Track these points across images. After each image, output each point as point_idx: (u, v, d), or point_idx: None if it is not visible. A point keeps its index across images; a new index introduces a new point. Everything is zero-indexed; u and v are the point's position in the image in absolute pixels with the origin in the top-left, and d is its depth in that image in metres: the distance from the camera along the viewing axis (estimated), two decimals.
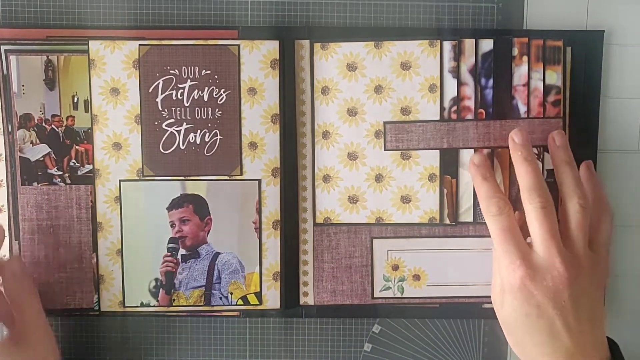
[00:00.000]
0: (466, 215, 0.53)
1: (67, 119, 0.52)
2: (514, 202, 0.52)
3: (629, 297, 0.55)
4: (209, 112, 0.52)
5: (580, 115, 0.52)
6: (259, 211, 0.53)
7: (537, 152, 0.52)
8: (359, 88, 0.52)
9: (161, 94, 0.51)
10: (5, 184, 0.52)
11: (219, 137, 0.52)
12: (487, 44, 0.51)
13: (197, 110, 0.52)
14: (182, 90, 0.51)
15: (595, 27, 0.52)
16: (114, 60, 0.51)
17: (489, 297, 0.51)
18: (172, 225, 0.52)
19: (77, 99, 0.51)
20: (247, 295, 0.53)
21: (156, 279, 0.53)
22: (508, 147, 0.49)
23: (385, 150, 0.52)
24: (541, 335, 0.45)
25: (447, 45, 0.51)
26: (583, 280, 0.45)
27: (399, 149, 0.52)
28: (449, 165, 0.52)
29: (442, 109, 0.52)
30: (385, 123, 0.52)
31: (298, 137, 0.53)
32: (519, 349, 0.47)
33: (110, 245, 0.53)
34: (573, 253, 0.46)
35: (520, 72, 0.51)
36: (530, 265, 0.45)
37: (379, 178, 0.53)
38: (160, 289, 0.53)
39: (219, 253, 0.53)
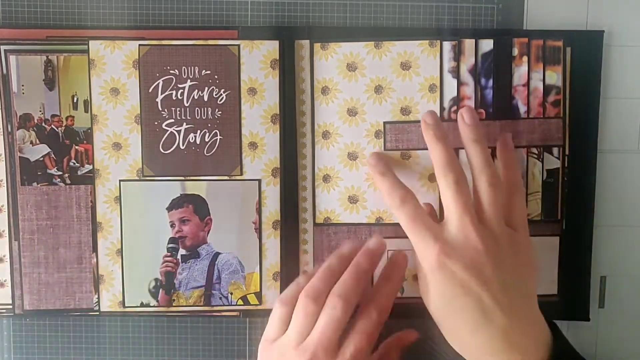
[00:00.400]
0: None
1: (66, 119, 0.52)
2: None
3: (628, 297, 0.55)
4: (209, 112, 0.52)
5: (580, 115, 0.52)
6: (259, 211, 0.53)
7: (537, 152, 0.52)
8: (359, 88, 0.52)
9: (161, 94, 0.51)
10: (5, 184, 0.52)
11: (219, 137, 0.52)
12: (487, 44, 0.51)
13: (197, 110, 0.52)
14: (182, 90, 0.51)
15: (595, 27, 0.52)
16: (113, 60, 0.51)
17: None
18: (172, 225, 0.52)
19: (77, 99, 0.51)
20: (247, 295, 0.53)
21: (156, 279, 0.53)
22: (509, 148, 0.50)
23: (385, 150, 0.52)
24: (473, 314, 0.44)
25: (447, 45, 0.51)
26: (504, 255, 0.45)
27: (399, 149, 0.52)
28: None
29: (442, 109, 0.52)
30: (385, 123, 0.52)
31: (298, 137, 0.53)
32: (456, 341, 0.46)
33: (110, 245, 0.53)
34: (489, 230, 0.45)
35: (520, 72, 0.51)
36: (445, 242, 0.44)
37: None
38: (160, 289, 0.53)
39: (219, 253, 0.53)
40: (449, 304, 0.44)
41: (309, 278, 0.47)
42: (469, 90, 0.51)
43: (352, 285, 0.46)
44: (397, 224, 0.52)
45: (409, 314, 0.54)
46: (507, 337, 0.44)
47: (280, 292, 0.53)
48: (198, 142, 0.52)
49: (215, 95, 0.52)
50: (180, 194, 0.52)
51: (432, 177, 0.52)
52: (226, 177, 0.52)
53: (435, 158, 0.47)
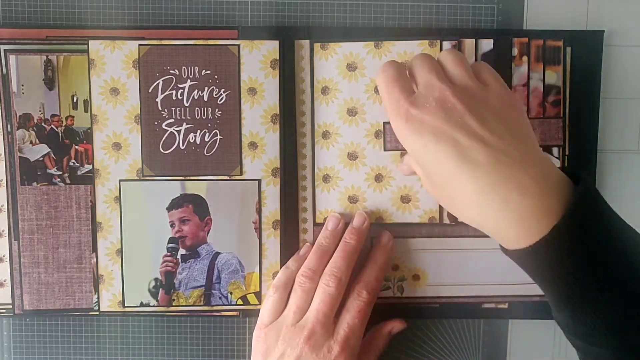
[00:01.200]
0: None
1: (66, 118, 0.52)
2: None
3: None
4: (209, 112, 0.52)
5: (580, 115, 0.52)
6: (259, 211, 0.53)
7: None
8: (359, 88, 0.52)
9: (161, 94, 0.51)
10: (5, 184, 0.52)
11: (218, 137, 0.52)
12: (487, 44, 0.51)
13: (197, 110, 0.52)
14: (182, 90, 0.51)
15: (595, 27, 0.52)
16: (113, 60, 0.51)
17: (489, 297, 0.51)
18: (172, 225, 0.52)
19: (77, 98, 0.51)
20: (247, 295, 0.53)
21: (156, 279, 0.53)
22: None
23: (385, 150, 0.52)
24: (451, 159, 0.40)
25: (447, 45, 0.51)
26: (477, 95, 0.42)
27: (398, 149, 0.52)
28: None
29: None
30: (384, 123, 0.52)
31: (298, 137, 0.53)
32: (446, 198, 0.43)
33: (110, 245, 0.53)
34: (457, 82, 0.42)
35: (520, 72, 0.51)
36: (412, 96, 0.42)
37: (378, 178, 0.53)
38: (160, 289, 0.53)
39: (219, 253, 0.53)
40: (427, 156, 0.41)
41: (299, 262, 0.51)
42: None
43: (342, 263, 0.49)
44: (397, 224, 0.53)
45: (409, 314, 0.54)
46: (494, 172, 0.39)
47: None
48: (198, 142, 0.52)
49: (215, 95, 0.52)
50: (180, 194, 0.52)
51: None
52: (226, 177, 0.52)
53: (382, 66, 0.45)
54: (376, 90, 0.52)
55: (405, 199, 0.53)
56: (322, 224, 0.53)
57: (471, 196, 0.40)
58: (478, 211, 0.40)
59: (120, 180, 0.52)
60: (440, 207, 0.53)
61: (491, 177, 0.39)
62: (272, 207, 0.53)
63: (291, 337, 0.48)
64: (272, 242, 0.53)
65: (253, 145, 0.52)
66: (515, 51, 0.51)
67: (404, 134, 0.42)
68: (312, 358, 0.47)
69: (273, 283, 0.51)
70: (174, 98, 0.51)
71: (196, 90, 0.51)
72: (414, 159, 0.44)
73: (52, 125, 0.51)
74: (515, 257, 0.42)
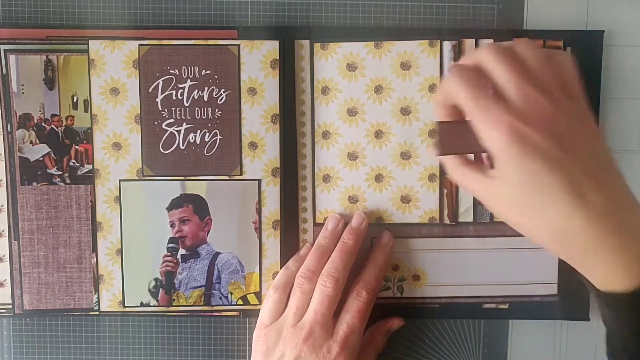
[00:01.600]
0: (466, 215, 0.53)
1: (66, 118, 0.52)
2: None
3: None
4: (209, 112, 0.52)
5: None
6: (259, 211, 0.53)
7: None
8: (359, 88, 0.52)
9: (161, 94, 0.51)
10: (5, 184, 0.52)
11: (218, 137, 0.52)
12: (487, 44, 0.51)
13: (197, 110, 0.52)
14: (182, 90, 0.51)
15: (595, 27, 0.52)
16: (113, 60, 0.51)
17: (489, 297, 0.51)
18: (172, 225, 0.52)
19: (77, 98, 0.51)
20: (247, 295, 0.53)
21: (156, 279, 0.53)
22: None
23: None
24: (562, 192, 0.36)
25: (447, 45, 0.51)
26: (578, 123, 0.38)
27: None
28: None
29: None
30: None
31: (298, 137, 0.53)
32: (545, 234, 0.38)
33: (110, 245, 0.53)
34: (550, 95, 0.37)
35: None
36: (517, 112, 0.37)
37: (379, 178, 0.53)
38: (160, 289, 0.53)
39: (219, 253, 0.53)
40: (532, 184, 0.36)
41: (299, 262, 0.51)
42: None
43: (340, 264, 0.49)
44: (397, 224, 0.53)
45: (409, 314, 0.54)
46: (612, 217, 0.36)
47: None
48: (198, 142, 0.52)
49: (215, 95, 0.52)
50: (180, 194, 0.52)
51: (432, 177, 0.52)
52: (226, 177, 0.52)
53: (473, 56, 0.40)
54: (376, 90, 0.52)
55: (405, 199, 0.53)
56: (322, 224, 0.53)
57: (578, 236, 0.37)
58: (581, 249, 0.37)
59: (120, 180, 0.52)
60: (440, 208, 0.53)
61: (609, 221, 0.36)
62: (272, 207, 0.53)
63: (291, 338, 0.48)
64: (272, 242, 0.53)
65: (253, 145, 0.52)
66: None
67: (506, 154, 0.37)
68: (312, 358, 0.47)
69: (273, 283, 0.51)
70: (174, 98, 0.51)
71: (196, 90, 0.51)
72: (504, 176, 0.38)
73: (52, 125, 0.51)
74: (611, 299, 0.38)
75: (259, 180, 0.52)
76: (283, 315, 0.50)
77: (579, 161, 0.36)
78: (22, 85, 0.51)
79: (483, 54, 0.39)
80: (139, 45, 0.51)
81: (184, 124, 0.52)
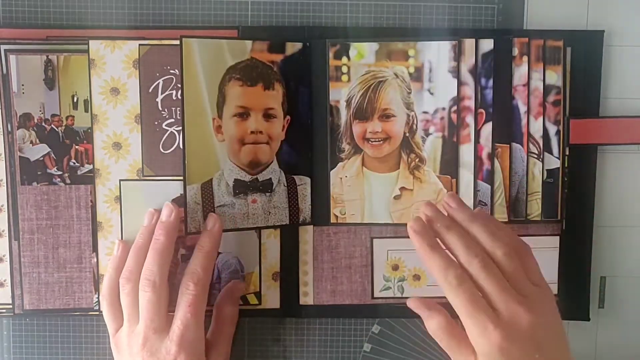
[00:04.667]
0: None
1: (66, 118, 0.52)
2: (514, 201, 0.52)
3: (629, 297, 0.55)
4: None
5: (580, 116, 0.52)
6: None
7: (537, 152, 0.52)
8: None
9: (161, 94, 0.51)
10: (5, 184, 0.52)
11: None
12: (487, 44, 0.51)
13: None
14: (182, 90, 0.51)
15: (595, 27, 0.52)
16: (114, 60, 0.51)
17: None
18: None
19: (77, 98, 0.51)
20: (247, 295, 0.53)
21: None
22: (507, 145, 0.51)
23: None
24: None
25: (447, 45, 0.51)
26: (545, 314, 0.45)
27: None
28: (449, 165, 0.52)
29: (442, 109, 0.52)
30: None
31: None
32: None
33: (110, 245, 0.53)
34: (524, 297, 0.44)
35: (520, 72, 0.51)
36: (504, 326, 0.43)
37: None
38: None
39: (219, 253, 0.53)
40: None
41: (116, 264, 0.50)
42: (469, 90, 0.51)
43: (154, 265, 0.47)
44: (397, 224, 0.53)
45: (410, 314, 0.54)
46: None
47: (280, 292, 0.53)
48: None
49: None
50: (180, 194, 0.52)
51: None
52: None
53: (454, 249, 0.45)
54: None
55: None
56: (322, 224, 0.53)
57: None
58: None
59: (120, 180, 0.52)
60: None
61: None
62: None
63: (131, 346, 0.47)
64: (272, 242, 0.53)
65: None
66: (516, 51, 0.51)
67: (490, 358, 0.43)
68: None
69: (101, 294, 0.50)
70: (174, 98, 0.51)
71: None
72: None
73: (52, 125, 0.51)
74: None
75: None
76: (123, 323, 0.49)
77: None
78: (23, 85, 0.51)
79: (455, 246, 0.45)
80: (139, 45, 0.51)
81: None
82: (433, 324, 0.45)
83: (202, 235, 0.49)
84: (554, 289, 0.53)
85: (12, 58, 0.51)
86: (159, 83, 0.51)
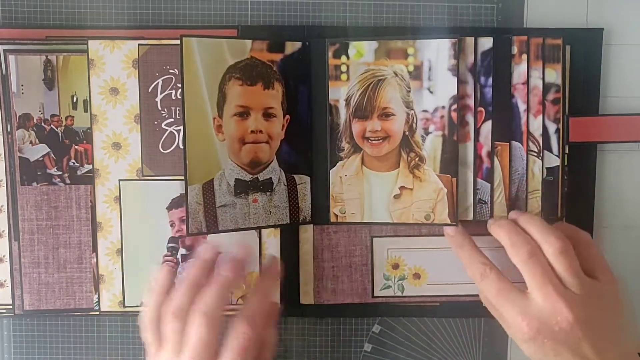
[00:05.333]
0: (466, 214, 0.53)
1: (66, 118, 0.52)
2: (514, 200, 0.52)
3: (629, 298, 0.55)
4: None
5: (579, 114, 0.52)
6: None
7: (536, 151, 0.52)
8: None
9: (160, 94, 0.51)
10: (5, 184, 0.52)
11: None
12: (486, 42, 0.51)
13: None
14: (181, 90, 0.51)
15: (594, 25, 0.52)
16: (113, 60, 0.51)
17: None
18: (172, 224, 0.52)
19: (77, 98, 0.51)
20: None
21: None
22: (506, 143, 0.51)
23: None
24: None
25: (447, 43, 0.51)
26: (594, 316, 0.45)
27: None
28: (449, 164, 0.52)
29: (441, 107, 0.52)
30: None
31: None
32: None
33: (110, 245, 0.53)
34: (572, 293, 0.45)
35: (519, 71, 0.51)
36: (532, 317, 0.45)
37: None
38: None
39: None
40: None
41: (162, 295, 0.47)
42: (468, 88, 0.51)
43: (214, 300, 0.45)
44: (397, 223, 0.52)
45: (410, 313, 0.54)
46: None
47: (281, 291, 0.53)
48: None
49: None
50: (180, 194, 0.52)
51: None
52: None
53: (502, 240, 0.48)
54: None
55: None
56: (322, 224, 0.53)
57: None
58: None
59: (120, 180, 0.52)
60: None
61: None
62: None
63: None
64: (273, 241, 0.53)
65: None
66: (515, 49, 0.51)
67: (526, 349, 0.46)
68: None
69: (143, 320, 0.47)
70: (173, 98, 0.51)
71: None
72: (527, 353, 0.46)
73: (52, 125, 0.51)
74: None
75: None
76: (164, 349, 0.45)
77: (581, 353, 0.44)
78: (22, 85, 0.51)
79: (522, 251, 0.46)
80: (139, 45, 0.51)
81: None
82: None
83: (261, 278, 0.50)
84: None
85: (12, 58, 0.51)
86: (158, 83, 0.51)
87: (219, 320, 0.45)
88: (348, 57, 0.52)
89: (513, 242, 0.47)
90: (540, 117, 0.52)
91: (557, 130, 0.52)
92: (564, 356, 0.44)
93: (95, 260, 0.53)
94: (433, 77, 0.51)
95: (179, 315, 0.45)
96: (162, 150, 0.52)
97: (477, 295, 0.53)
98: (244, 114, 0.51)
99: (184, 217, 0.52)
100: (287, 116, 0.52)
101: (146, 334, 0.47)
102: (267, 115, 0.51)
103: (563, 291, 0.45)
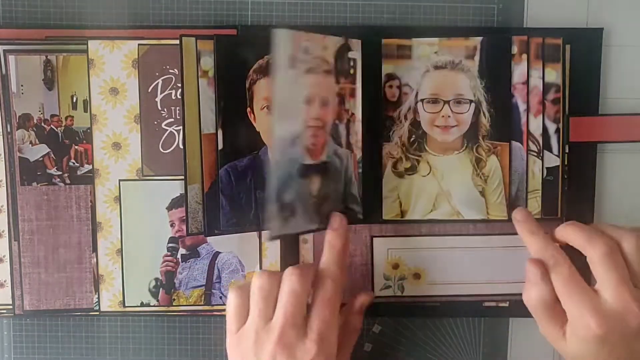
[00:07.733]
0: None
1: (66, 118, 0.52)
2: (514, 200, 0.52)
3: None
4: None
5: (579, 113, 0.52)
6: None
7: (536, 150, 0.52)
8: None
9: (160, 94, 0.51)
10: (5, 184, 0.52)
11: None
12: (486, 42, 0.51)
13: None
14: (181, 90, 0.51)
15: (594, 25, 0.52)
16: (113, 59, 0.51)
17: (490, 295, 0.50)
18: (172, 224, 0.52)
19: (76, 98, 0.51)
20: None
21: (156, 279, 0.53)
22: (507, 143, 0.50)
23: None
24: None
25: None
26: None
27: None
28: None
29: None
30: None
31: None
32: None
33: (110, 245, 0.53)
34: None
35: (519, 70, 0.51)
36: (603, 315, 0.43)
37: None
38: (160, 289, 0.53)
39: (219, 252, 0.53)
40: (590, 353, 0.44)
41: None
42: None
43: (333, 259, 0.47)
44: (397, 222, 0.53)
45: (410, 312, 0.54)
46: None
47: None
48: None
49: None
50: (180, 194, 0.52)
51: None
52: None
53: (574, 237, 0.46)
54: None
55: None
56: None
57: None
58: None
59: (120, 180, 0.52)
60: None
61: None
62: None
63: (261, 342, 0.44)
64: (273, 241, 0.53)
65: None
66: (515, 49, 0.51)
67: (589, 347, 0.44)
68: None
69: (233, 288, 0.47)
70: (173, 97, 0.51)
71: None
72: (573, 348, 0.45)
73: (52, 125, 0.52)
74: None
75: None
76: (249, 319, 0.46)
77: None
78: (22, 85, 0.51)
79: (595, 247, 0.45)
80: (139, 45, 0.51)
81: None
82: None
83: (330, 235, 0.48)
84: None
85: (11, 58, 0.51)
86: (158, 83, 0.51)
87: (308, 279, 0.45)
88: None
89: (590, 236, 0.45)
90: (540, 117, 0.52)
91: (557, 130, 0.52)
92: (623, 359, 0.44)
93: (95, 260, 0.53)
94: None
95: (267, 276, 0.45)
96: (162, 150, 0.52)
97: (477, 295, 0.53)
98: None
99: (184, 217, 0.52)
100: None
101: (231, 304, 0.46)
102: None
103: (637, 294, 0.44)
